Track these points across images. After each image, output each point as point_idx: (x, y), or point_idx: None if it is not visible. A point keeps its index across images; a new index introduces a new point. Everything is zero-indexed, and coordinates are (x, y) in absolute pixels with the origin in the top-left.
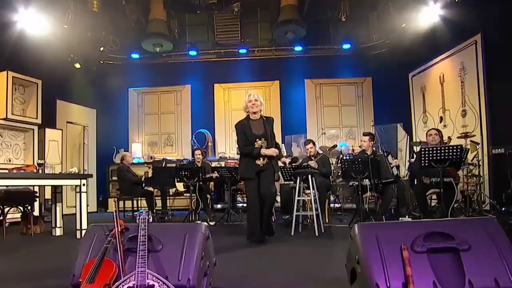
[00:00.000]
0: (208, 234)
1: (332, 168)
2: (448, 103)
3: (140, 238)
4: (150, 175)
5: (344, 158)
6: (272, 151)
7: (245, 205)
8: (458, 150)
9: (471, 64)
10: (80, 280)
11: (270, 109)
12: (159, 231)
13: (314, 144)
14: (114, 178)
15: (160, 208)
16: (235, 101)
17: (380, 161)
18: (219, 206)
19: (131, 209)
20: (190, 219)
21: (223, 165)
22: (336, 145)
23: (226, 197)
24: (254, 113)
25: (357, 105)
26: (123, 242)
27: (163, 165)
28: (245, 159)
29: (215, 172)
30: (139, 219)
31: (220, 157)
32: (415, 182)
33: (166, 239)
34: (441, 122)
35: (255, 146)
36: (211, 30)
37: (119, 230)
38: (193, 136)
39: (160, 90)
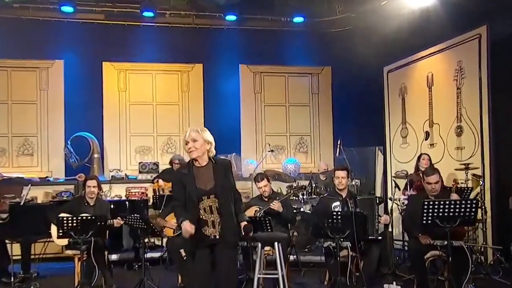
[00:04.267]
0: None
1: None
2: (438, 114)
3: None
4: None
5: (315, 211)
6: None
7: (157, 255)
8: (473, 205)
9: (471, 65)
10: None
11: (188, 106)
12: None
13: (268, 180)
14: None
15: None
16: (135, 90)
17: (367, 216)
18: (114, 257)
19: None
20: None
21: (122, 192)
22: (305, 187)
23: (125, 241)
24: (195, 158)
25: (311, 105)
26: None
27: (25, 200)
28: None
29: (118, 218)
30: None
31: (112, 177)
32: (407, 237)
33: None
34: (427, 139)
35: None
36: None
37: None
38: (69, 143)
39: (11, 65)
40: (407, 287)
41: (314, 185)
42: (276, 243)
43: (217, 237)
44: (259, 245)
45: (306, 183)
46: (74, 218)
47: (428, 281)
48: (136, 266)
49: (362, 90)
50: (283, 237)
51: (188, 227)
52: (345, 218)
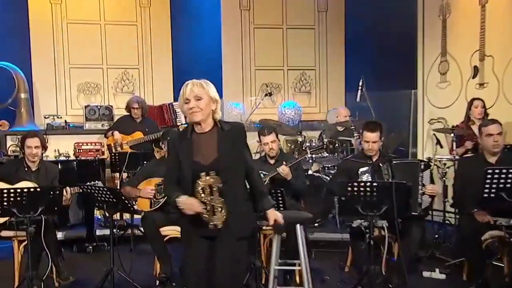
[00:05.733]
0: None
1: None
2: (492, 43)
3: None
4: None
5: (339, 179)
6: None
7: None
8: None
9: None
10: None
11: (150, 28)
12: None
13: (277, 135)
14: None
15: None
16: (74, 3)
17: (411, 188)
18: (59, 235)
19: None
20: None
21: (63, 148)
22: (324, 146)
23: (73, 214)
24: (199, 122)
25: (318, 28)
26: None
27: None
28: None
29: (75, 188)
30: None
31: (48, 125)
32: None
33: None
34: (474, 77)
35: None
36: None
37: None
38: None
39: None
40: (454, 276)
41: (325, 140)
42: (298, 226)
43: (219, 226)
44: None
45: (315, 135)
46: (18, 190)
47: (485, 268)
48: (91, 247)
49: (387, 8)
50: (306, 217)
51: (193, 203)
52: (380, 190)
